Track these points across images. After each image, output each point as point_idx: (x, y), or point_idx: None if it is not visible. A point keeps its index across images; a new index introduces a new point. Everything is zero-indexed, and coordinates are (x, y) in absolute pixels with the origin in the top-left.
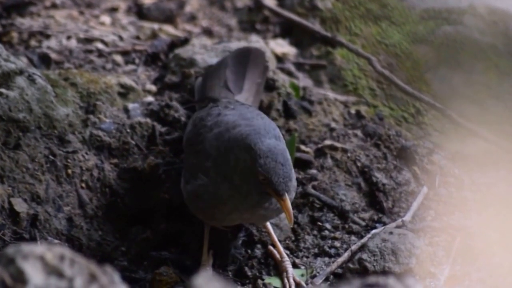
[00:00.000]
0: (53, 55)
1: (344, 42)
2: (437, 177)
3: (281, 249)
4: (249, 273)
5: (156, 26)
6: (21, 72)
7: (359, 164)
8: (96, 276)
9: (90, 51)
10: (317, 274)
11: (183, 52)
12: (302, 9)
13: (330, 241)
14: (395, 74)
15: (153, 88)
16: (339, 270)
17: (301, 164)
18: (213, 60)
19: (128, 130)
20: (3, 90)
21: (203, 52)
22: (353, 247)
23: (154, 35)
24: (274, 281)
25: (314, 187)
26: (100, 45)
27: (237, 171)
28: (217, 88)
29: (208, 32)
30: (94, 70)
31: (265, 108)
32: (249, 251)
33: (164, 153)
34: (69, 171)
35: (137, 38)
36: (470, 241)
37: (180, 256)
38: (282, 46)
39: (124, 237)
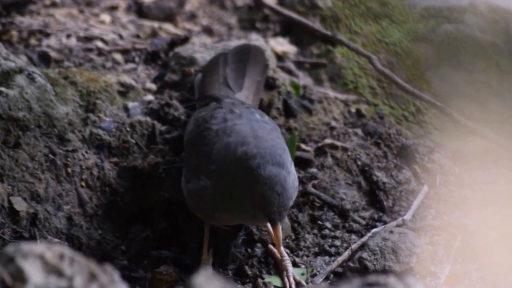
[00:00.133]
0: (53, 54)
1: (344, 40)
2: (438, 175)
3: (281, 248)
4: (249, 272)
5: (156, 24)
6: (20, 71)
7: (359, 163)
8: (96, 275)
9: (90, 50)
10: (317, 273)
11: (183, 50)
12: (302, 8)
13: (330, 240)
14: (396, 73)
15: (153, 86)
16: (340, 269)
17: (301, 163)
18: None
19: (128, 129)
20: (2, 89)
21: (203, 51)
22: (354, 246)
23: (154, 33)
24: (274, 280)
25: (314, 186)
26: (100, 44)
27: (237, 188)
28: (216, 85)
29: (208, 31)
30: (94, 68)
31: (265, 107)
32: (249, 250)
33: (164, 152)
34: (69, 170)
35: (137, 36)
36: (470, 240)
37: (180, 255)
38: (282, 45)
39: (124, 236)
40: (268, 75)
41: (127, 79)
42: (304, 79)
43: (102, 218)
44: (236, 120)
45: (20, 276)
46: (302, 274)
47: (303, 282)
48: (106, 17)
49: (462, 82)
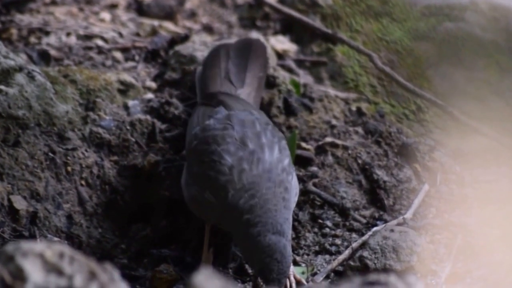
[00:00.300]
0: (53, 52)
1: (345, 38)
2: (438, 174)
3: None
4: (250, 271)
5: (156, 22)
6: (20, 69)
7: (360, 161)
8: (96, 274)
9: (90, 48)
10: (318, 272)
11: (183, 49)
12: (302, 6)
13: (330, 239)
14: (396, 71)
15: (153, 85)
16: (340, 268)
17: (301, 162)
18: None
19: (128, 127)
20: (2, 87)
21: (203, 49)
22: (354, 245)
23: (154, 31)
24: None
25: (314, 185)
26: (99, 42)
27: (240, 243)
28: (218, 79)
29: (208, 29)
30: (94, 67)
31: (265, 105)
32: None
33: (164, 150)
34: (69, 168)
35: (137, 35)
36: (471, 239)
37: (180, 253)
38: (282, 43)
39: (124, 235)
40: (269, 74)
41: (127, 77)
42: (304, 77)
43: (102, 217)
44: (247, 161)
45: (20, 275)
46: (303, 273)
47: (304, 281)
48: (106, 15)
49: (462, 80)
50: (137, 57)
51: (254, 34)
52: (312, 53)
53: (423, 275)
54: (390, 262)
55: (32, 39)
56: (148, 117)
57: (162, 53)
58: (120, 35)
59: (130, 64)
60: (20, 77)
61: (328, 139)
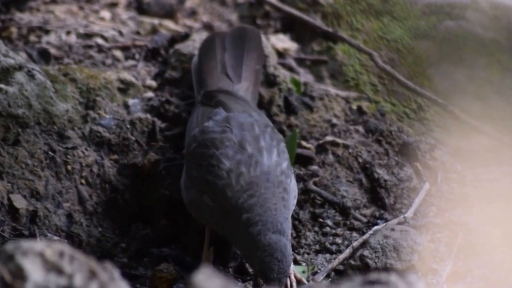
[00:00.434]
0: (53, 51)
1: (346, 37)
2: (439, 173)
3: None
4: (250, 270)
5: (156, 21)
6: (20, 68)
7: (360, 160)
8: (96, 273)
9: (90, 47)
10: (318, 271)
11: (183, 47)
12: (303, 4)
13: (331, 238)
14: (397, 70)
15: (153, 83)
16: (341, 267)
17: (302, 160)
18: None
19: (128, 126)
20: (2, 86)
21: None
22: (355, 244)
23: (154, 30)
24: None
25: (315, 183)
26: (100, 41)
27: (240, 243)
28: (215, 74)
29: (208, 27)
30: (94, 65)
31: (266, 104)
32: None
33: (165, 149)
34: (69, 167)
35: (137, 33)
36: (472, 238)
37: (180, 252)
38: (283, 42)
39: (124, 234)
40: (269, 72)
41: (127, 76)
42: (305, 76)
43: (102, 216)
44: (245, 164)
45: (20, 274)
46: (303, 272)
47: (304, 280)
48: (106, 14)
49: (463, 79)
50: (137, 56)
51: None
52: (312, 52)
53: (424, 274)
54: (391, 261)
55: (32, 38)
56: (148, 115)
57: (162, 51)
58: (120, 33)
59: (130, 62)
60: (20, 76)
61: (329, 138)
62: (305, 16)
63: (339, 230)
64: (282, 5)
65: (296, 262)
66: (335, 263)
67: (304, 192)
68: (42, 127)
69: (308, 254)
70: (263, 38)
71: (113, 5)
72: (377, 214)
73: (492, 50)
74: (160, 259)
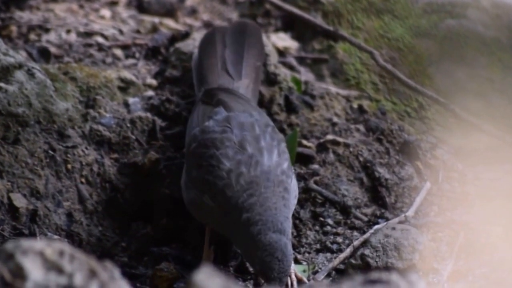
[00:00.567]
0: (53, 49)
1: (346, 36)
2: (440, 172)
3: None
4: (251, 269)
5: (156, 19)
6: (20, 66)
7: (361, 159)
8: (96, 272)
9: (90, 45)
10: (319, 270)
11: (183, 46)
12: (304, 3)
13: (332, 237)
14: (398, 68)
15: (154, 82)
16: (341, 266)
17: (303, 159)
18: None
19: (128, 125)
20: (2, 85)
21: None
22: (356, 243)
23: (154, 29)
24: None
25: (316, 182)
26: (100, 39)
27: (241, 242)
28: (215, 70)
29: (209, 26)
30: (94, 64)
31: (266, 103)
32: None
33: (165, 148)
34: (69, 166)
35: (138, 32)
36: (473, 237)
37: (181, 251)
38: (283, 40)
39: (124, 233)
40: (270, 71)
41: (127, 74)
42: (305, 74)
43: (102, 215)
44: (245, 164)
45: (20, 273)
46: (304, 271)
47: (305, 279)
48: (106, 12)
49: (465, 78)
50: (137, 54)
51: None
52: (313, 50)
53: (425, 273)
54: (392, 260)
55: (32, 36)
56: (149, 114)
57: (162, 50)
58: (121, 32)
59: (131, 61)
60: (20, 75)
61: (330, 137)
62: (305, 15)
63: (340, 229)
64: (283, 3)
65: (296, 261)
66: (336, 262)
67: (304, 191)
68: (42, 126)
69: (309, 253)
70: (264, 36)
71: (113, 4)
72: (378, 213)
73: (493, 48)
74: (161, 258)
